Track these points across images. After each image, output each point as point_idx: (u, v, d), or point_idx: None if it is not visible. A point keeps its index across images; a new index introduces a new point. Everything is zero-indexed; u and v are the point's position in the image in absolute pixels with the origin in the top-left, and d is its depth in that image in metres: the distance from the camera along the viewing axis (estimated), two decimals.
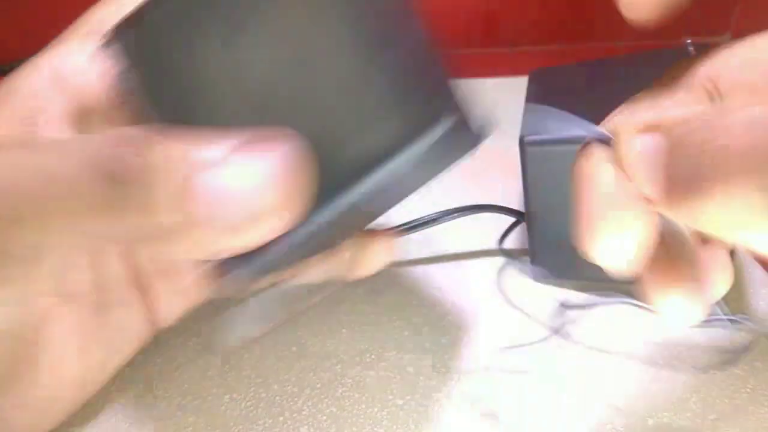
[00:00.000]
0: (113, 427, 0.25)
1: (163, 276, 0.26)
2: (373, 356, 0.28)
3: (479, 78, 0.55)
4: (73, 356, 0.24)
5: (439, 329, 0.29)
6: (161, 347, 0.29)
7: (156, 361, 0.28)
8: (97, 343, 0.24)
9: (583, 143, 0.21)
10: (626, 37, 0.61)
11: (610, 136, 0.18)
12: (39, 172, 0.16)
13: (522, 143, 0.28)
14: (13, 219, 0.16)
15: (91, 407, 0.26)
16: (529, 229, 0.30)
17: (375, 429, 0.25)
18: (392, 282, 0.32)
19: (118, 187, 0.16)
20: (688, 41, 0.30)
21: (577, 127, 0.27)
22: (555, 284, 0.31)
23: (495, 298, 0.31)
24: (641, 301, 0.29)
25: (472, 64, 0.59)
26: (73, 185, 0.16)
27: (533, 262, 0.31)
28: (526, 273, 0.32)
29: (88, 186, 0.16)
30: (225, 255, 0.17)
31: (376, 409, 0.25)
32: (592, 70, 0.33)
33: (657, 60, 0.31)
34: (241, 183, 0.16)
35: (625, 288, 0.30)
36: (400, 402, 0.26)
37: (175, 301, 0.26)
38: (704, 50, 0.30)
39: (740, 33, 0.62)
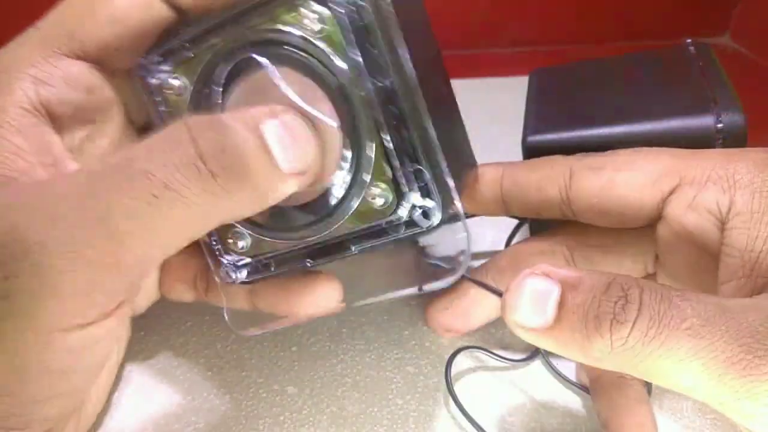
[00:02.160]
0: (115, 428, 0.25)
1: None
2: (373, 356, 0.28)
3: (479, 78, 0.55)
4: (105, 367, 0.24)
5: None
6: (161, 347, 0.29)
7: (156, 360, 0.28)
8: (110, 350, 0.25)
9: None
10: (626, 36, 0.61)
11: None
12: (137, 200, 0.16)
13: (525, 144, 0.28)
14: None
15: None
16: (533, 230, 0.30)
17: (375, 429, 0.25)
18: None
19: (219, 178, 0.17)
20: (688, 40, 0.30)
21: (579, 128, 0.27)
22: None
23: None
24: None
25: (472, 64, 0.59)
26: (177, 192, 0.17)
27: None
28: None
29: (193, 189, 0.17)
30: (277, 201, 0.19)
31: (376, 409, 0.25)
32: (592, 69, 0.33)
33: (657, 59, 0.31)
34: (297, 131, 0.19)
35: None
36: (400, 402, 0.26)
37: (139, 298, 0.26)
38: (705, 49, 0.30)
39: (740, 33, 0.62)
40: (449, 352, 0.28)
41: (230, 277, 0.23)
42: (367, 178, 0.20)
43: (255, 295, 0.24)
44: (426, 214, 0.20)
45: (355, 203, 0.21)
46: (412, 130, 0.20)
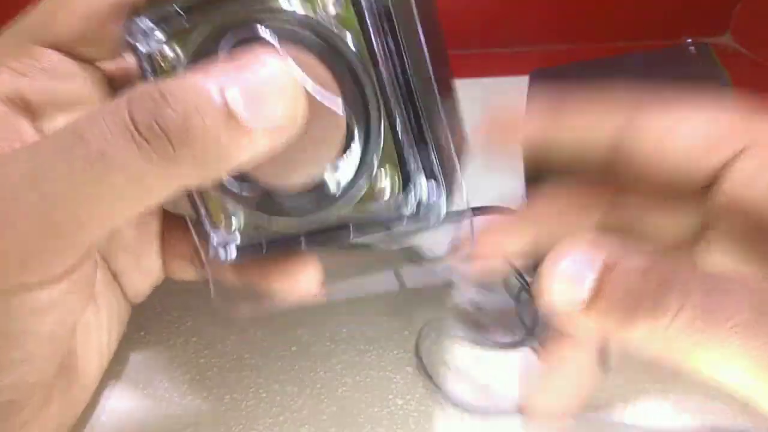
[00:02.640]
0: (114, 428, 0.25)
1: (125, 251, 0.26)
2: (373, 356, 0.28)
3: (479, 78, 0.55)
4: (94, 344, 0.24)
5: (440, 329, 0.29)
6: (161, 347, 0.29)
7: (156, 360, 0.28)
8: (99, 327, 0.25)
9: None
10: (626, 36, 0.61)
11: None
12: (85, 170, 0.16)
13: None
14: (76, 224, 0.17)
15: (91, 407, 0.26)
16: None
17: (375, 429, 0.25)
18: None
19: (172, 143, 0.16)
20: (689, 40, 0.31)
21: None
22: None
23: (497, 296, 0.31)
24: None
25: (472, 64, 0.59)
26: (123, 164, 0.16)
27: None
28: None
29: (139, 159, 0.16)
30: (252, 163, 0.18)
31: (376, 409, 0.25)
32: (592, 69, 0.33)
33: (658, 58, 0.31)
34: (262, 83, 0.17)
35: None
36: (400, 402, 0.26)
37: (137, 279, 0.26)
38: (705, 49, 0.30)
39: (740, 33, 0.62)
40: (450, 352, 0.28)
41: (219, 255, 0.23)
42: (376, 161, 0.20)
43: (239, 271, 0.24)
44: (431, 208, 0.20)
45: (363, 188, 0.20)
46: (423, 117, 0.19)
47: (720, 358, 0.15)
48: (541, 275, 0.17)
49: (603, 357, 0.23)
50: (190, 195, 0.22)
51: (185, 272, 0.26)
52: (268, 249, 0.22)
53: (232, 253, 0.23)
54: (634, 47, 0.33)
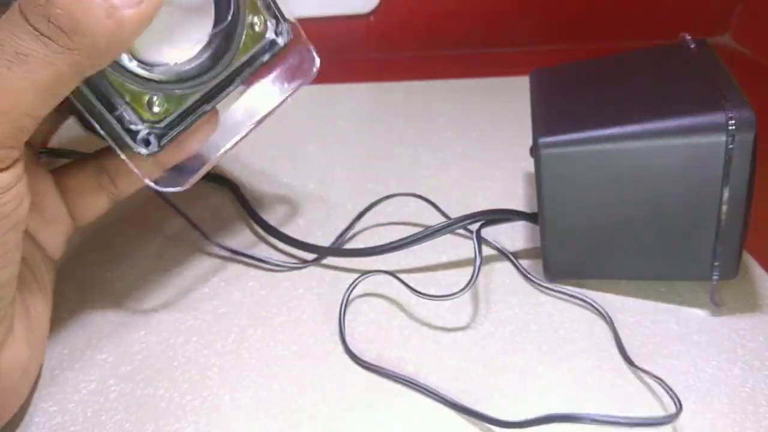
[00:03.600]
0: (113, 427, 0.25)
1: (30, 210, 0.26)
2: (373, 356, 0.28)
3: (479, 78, 0.55)
4: (37, 303, 0.25)
5: (439, 329, 0.29)
6: (161, 347, 0.29)
7: (156, 360, 0.28)
8: (36, 287, 0.26)
9: None
10: (627, 36, 0.61)
11: None
12: None
13: (536, 146, 0.28)
14: None
15: (91, 406, 0.26)
16: (543, 230, 0.30)
17: (375, 429, 0.25)
18: (391, 283, 0.32)
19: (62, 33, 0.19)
20: (687, 37, 0.30)
21: (590, 129, 0.27)
22: (569, 282, 0.32)
23: (497, 297, 0.31)
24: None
25: (473, 64, 0.59)
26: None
27: (547, 262, 0.31)
28: (540, 273, 0.32)
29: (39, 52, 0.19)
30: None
31: (376, 409, 0.25)
32: (592, 68, 0.33)
33: (656, 56, 0.31)
34: None
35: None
36: (400, 401, 0.26)
37: (51, 233, 0.27)
38: (704, 45, 0.30)
39: (740, 33, 0.63)
40: (450, 352, 0.28)
41: (145, 148, 0.25)
42: (246, 13, 0.26)
43: (159, 157, 0.26)
44: (279, 35, 0.27)
45: (242, 35, 0.26)
46: None
47: None
48: None
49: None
50: (107, 99, 0.23)
51: (96, 206, 0.28)
52: (182, 123, 0.26)
53: (154, 142, 0.25)
54: (634, 47, 0.33)
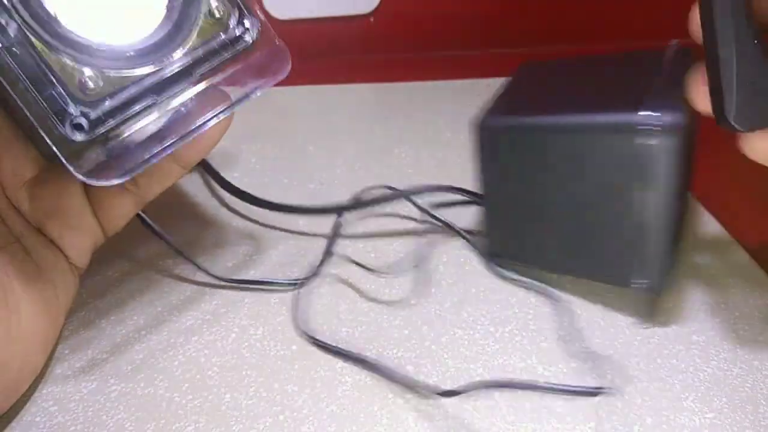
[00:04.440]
0: (113, 427, 0.25)
1: (53, 216, 0.26)
2: (373, 356, 0.28)
3: (479, 78, 0.55)
4: (28, 310, 0.25)
5: (439, 328, 0.29)
6: (161, 346, 0.29)
7: (156, 360, 0.28)
8: (40, 293, 0.25)
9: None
10: (626, 36, 0.61)
11: None
12: None
13: (476, 127, 0.29)
14: None
15: (91, 405, 0.26)
16: (484, 211, 0.31)
17: (375, 429, 0.25)
18: (390, 282, 0.32)
19: None
20: (674, 42, 0.30)
21: (524, 116, 0.28)
22: (510, 267, 0.32)
23: (490, 287, 0.31)
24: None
25: (473, 64, 0.59)
26: None
27: (490, 244, 0.32)
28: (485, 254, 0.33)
29: None
30: None
31: (376, 408, 0.25)
32: (573, 65, 0.33)
33: (636, 58, 0.31)
34: None
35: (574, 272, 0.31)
36: (400, 401, 0.26)
37: (76, 239, 0.27)
38: (685, 52, 0.30)
39: None
40: (450, 351, 0.28)
41: (78, 133, 0.22)
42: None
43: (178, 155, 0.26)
44: (245, 30, 0.25)
45: (197, 18, 0.24)
46: None
47: None
48: None
49: None
50: (34, 74, 0.21)
51: (121, 211, 0.28)
52: (122, 112, 0.23)
53: (87, 127, 0.22)
54: (634, 47, 0.33)
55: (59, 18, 0.21)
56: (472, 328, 0.29)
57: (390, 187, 0.37)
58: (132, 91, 0.23)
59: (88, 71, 0.22)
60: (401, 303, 0.31)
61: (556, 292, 0.31)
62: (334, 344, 0.28)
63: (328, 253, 0.33)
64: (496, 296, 0.31)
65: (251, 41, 0.26)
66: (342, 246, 0.34)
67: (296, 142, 0.46)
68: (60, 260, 0.27)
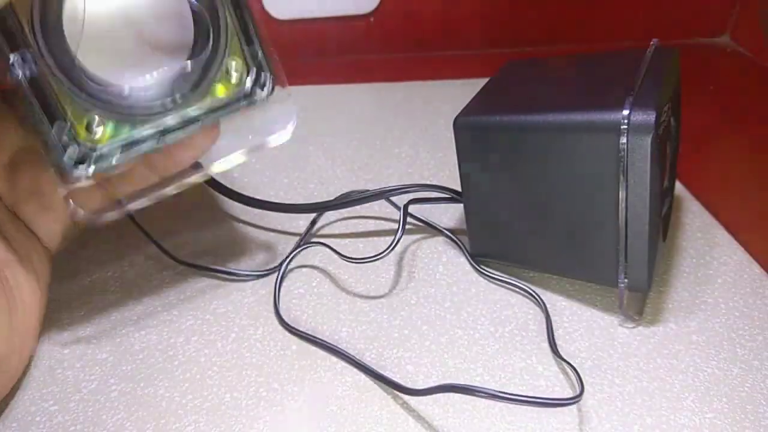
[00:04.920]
0: (113, 427, 0.25)
1: (29, 197, 0.26)
2: (373, 356, 0.28)
3: (479, 78, 0.55)
4: (24, 299, 0.25)
5: (438, 328, 0.29)
6: (161, 346, 0.29)
7: (156, 360, 0.28)
8: (29, 281, 0.26)
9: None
10: (626, 37, 0.61)
11: None
12: None
13: (455, 125, 0.29)
14: None
15: (92, 405, 0.26)
16: (466, 210, 0.31)
17: (375, 428, 0.25)
18: (390, 282, 0.32)
19: None
20: (654, 41, 0.30)
21: (500, 114, 0.28)
22: (492, 264, 0.33)
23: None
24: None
25: (473, 64, 0.59)
26: None
27: (473, 244, 0.32)
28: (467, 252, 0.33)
29: None
30: None
31: (376, 408, 0.26)
32: (554, 64, 0.33)
33: (615, 58, 0.31)
34: None
35: (554, 270, 0.31)
36: (401, 401, 0.26)
37: (50, 220, 0.27)
38: (665, 52, 0.29)
39: (740, 33, 0.63)
40: (449, 351, 0.28)
41: (74, 170, 0.22)
42: (225, 54, 0.24)
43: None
44: (263, 86, 0.25)
45: (214, 80, 0.25)
46: (246, 13, 0.24)
47: None
48: None
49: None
50: (48, 108, 0.21)
51: (89, 198, 0.26)
52: (124, 153, 0.23)
53: (85, 167, 0.23)
54: (633, 47, 0.33)
55: (79, 58, 0.22)
56: (473, 328, 0.29)
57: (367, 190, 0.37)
58: (137, 136, 0.23)
59: (97, 116, 0.22)
60: (401, 303, 0.31)
61: (541, 292, 0.31)
62: (334, 344, 0.28)
63: (302, 245, 0.34)
64: (490, 296, 0.31)
65: (264, 98, 0.26)
66: (342, 246, 0.34)
67: (296, 141, 0.46)
68: (36, 245, 0.27)
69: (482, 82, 0.33)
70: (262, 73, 0.25)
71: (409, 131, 0.47)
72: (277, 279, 0.32)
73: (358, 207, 0.36)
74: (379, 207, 0.38)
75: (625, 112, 0.24)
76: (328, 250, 0.33)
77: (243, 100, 0.25)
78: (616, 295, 0.30)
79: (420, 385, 0.25)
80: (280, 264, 0.33)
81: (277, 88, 0.26)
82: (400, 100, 0.52)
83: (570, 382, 0.26)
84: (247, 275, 0.33)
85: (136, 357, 0.28)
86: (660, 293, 0.31)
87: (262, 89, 0.25)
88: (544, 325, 0.29)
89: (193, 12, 0.24)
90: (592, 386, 0.26)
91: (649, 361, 0.27)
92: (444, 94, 0.52)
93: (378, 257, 0.31)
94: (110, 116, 0.23)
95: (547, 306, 0.30)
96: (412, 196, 0.33)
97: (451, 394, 0.25)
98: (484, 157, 0.29)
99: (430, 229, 0.36)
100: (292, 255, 0.33)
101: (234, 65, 0.25)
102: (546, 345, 0.28)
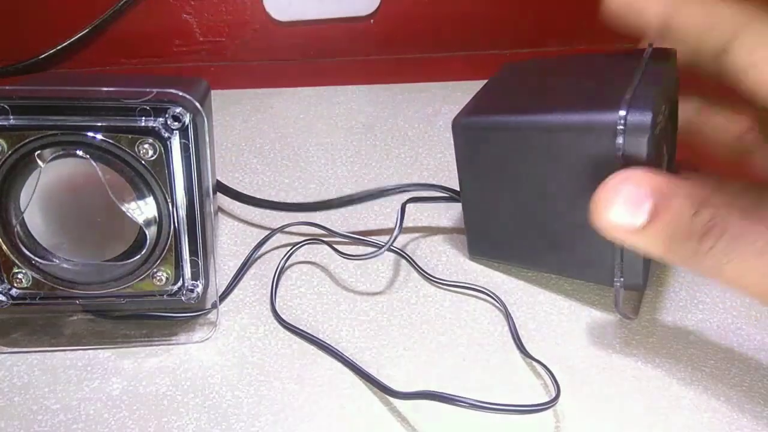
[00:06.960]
0: (114, 426, 0.25)
1: None
2: (373, 355, 0.28)
3: (479, 80, 0.55)
4: None
5: (438, 328, 0.29)
6: (163, 344, 0.29)
7: (156, 359, 0.28)
8: None
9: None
10: (626, 37, 0.62)
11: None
12: None
13: (453, 126, 0.29)
14: None
15: (93, 404, 0.26)
16: (464, 209, 0.31)
17: (375, 428, 0.25)
18: (390, 281, 0.32)
19: None
20: (650, 44, 0.30)
21: (499, 115, 0.28)
22: (490, 263, 0.33)
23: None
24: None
25: (472, 65, 0.59)
26: None
27: (471, 242, 0.33)
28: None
29: None
30: None
31: (376, 408, 0.26)
32: (553, 65, 0.34)
33: (614, 59, 0.31)
34: None
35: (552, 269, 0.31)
36: (401, 401, 0.26)
37: None
38: (663, 53, 0.29)
39: None
40: (449, 352, 0.28)
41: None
42: (157, 261, 0.27)
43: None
44: (191, 293, 0.28)
45: (141, 277, 0.27)
46: (199, 235, 0.27)
47: (740, 273, 0.19)
48: (600, 197, 0.20)
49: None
50: None
51: None
52: (44, 300, 0.28)
53: (6, 302, 0.27)
54: (631, 49, 0.33)
55: (25, 217, 0.26)
56: (472, 327, 0.29)
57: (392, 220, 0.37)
58: (59, 294, 0.27)
59: (22, 272, 0.27)
60: (401, 302, 0.31)
61: (539, 291, 0.31)
62: (334, 344, 0.28)
63: (302, 243, 0.34)
64: (483, 295, 0.31)
65: (190, 300, 0.28)
66: (341, 246, 0.35)
67: (296, 142, 0.46)
68: None
69: (481, 83, 0.33)
70: (194, 282, 0.28)
71: (409, 132, 0.47)
72: (274, 277, 0.32)
73: (358, 206, 0.36)
74: (379, 207, 0.38)
75: (622, 113, 0.24)
76: (328, 248, 0.33)
77: (167, 295, 0.28)
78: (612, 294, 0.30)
79: (410, 388, 0.25)
80: (279, 262, 0.33)
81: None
82: (399, 101, 0.52)
83: (569, 382, 0.26)
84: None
85: (137, 356, 0.28)
86: (657, 292, 0.31)
87: (192, 292, 0.28)
88: (541, 325, 0.29)
89: (141, 227, 0.26)
90: (590, 386, 0.26)
91: (648, 361, 0.27)
92: (443, 95, 0.52)
93: (374, 254, 0.31)
94: (38, 274, 0.27)
95: (546, 306, 0.30)
96: (410, 195, 0.34)
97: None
98: (482, 157, 0.29)
99: (429, 228, 0.36)
100: (289, 252, 0.33)
101: (162, 274, 0.27)
102: (545, 344, 0.28)
